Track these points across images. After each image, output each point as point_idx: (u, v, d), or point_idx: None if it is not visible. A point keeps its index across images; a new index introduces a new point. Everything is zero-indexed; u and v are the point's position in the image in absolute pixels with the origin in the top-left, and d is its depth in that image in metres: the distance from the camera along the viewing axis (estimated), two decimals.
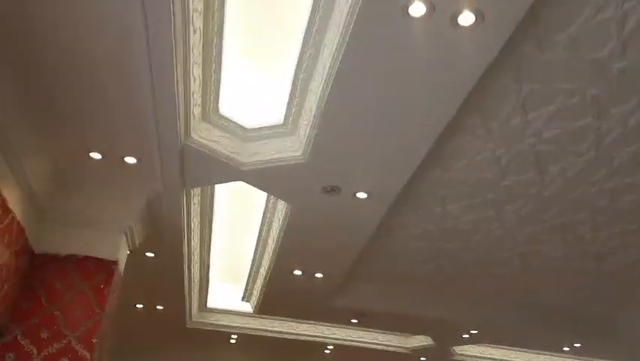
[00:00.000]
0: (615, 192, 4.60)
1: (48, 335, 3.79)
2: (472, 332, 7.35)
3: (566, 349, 7.80)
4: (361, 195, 4.39)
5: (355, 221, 4.85)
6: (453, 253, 5.88)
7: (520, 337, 7.62)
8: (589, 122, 3.85)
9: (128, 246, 4.67)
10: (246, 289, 7.38)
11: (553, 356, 8.64)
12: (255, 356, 8.97)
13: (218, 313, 8.20)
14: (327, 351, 8.73)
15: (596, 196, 4.67)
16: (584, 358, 8.48)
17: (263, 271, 6.40)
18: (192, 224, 5.25)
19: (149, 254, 5.67)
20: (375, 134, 3.71)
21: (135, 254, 5.55)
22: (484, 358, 8.55)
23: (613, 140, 4.00)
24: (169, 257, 5.70)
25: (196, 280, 6.89)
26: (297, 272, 6.00)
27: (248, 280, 7.06)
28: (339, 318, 7.41)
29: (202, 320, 8.17)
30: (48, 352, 3.75)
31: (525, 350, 8.51)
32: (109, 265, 4.19)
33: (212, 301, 8.10)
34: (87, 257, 4.17)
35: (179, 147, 3.77)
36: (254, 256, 6.35)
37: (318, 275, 6.03)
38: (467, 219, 5.16)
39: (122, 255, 4.49)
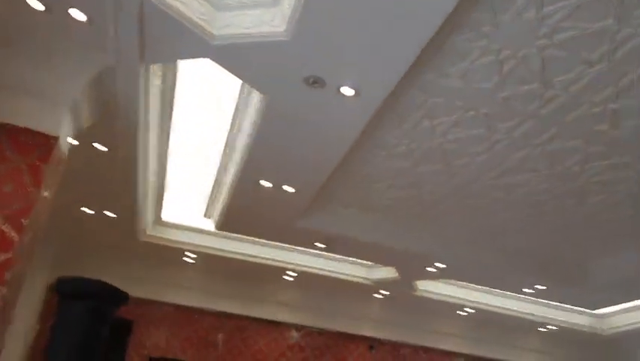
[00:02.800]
0: (617, 116, 4.24)
1: None
2: (437, 265, 7.11)
3: (528, 290, 7.68)
4: (347, 91, 3.89)
5: (338, 124, 4.36)
6: (432, 179, 5.49)
7: (486, 275, 7.44)
8: (608, 24, 3.43)
9: (74, 127, 4.09)
10: (208, 204, 6.91)
11: (513, 298, 8.57)
12: (213, 278, 8.60)
13: (175, 228, 7.74)
14: (288, 278, 8.43)
15: (596, 120, 4.30)
16: (544, 301, 8.43)
17: (228, 181, 5.92)
18: (150, 113, 4.68)
19: (99, 147, 5.10)
20: (368, 17, 3.21)
21: (83, 145, 5.00)
22: (444, 295, 8.41)
23: (629, 50, 3.60)
24: (122, 152, 5.14)
25: (152, 186, 6.37)
26: (266, 183, 5.54)
27: (211, 192, 6.59)
28: (306, 241, 7.05)
29: (157, 235, 7.68)
30: None
31: (487, 289, 8.40)
32: (48, 141, 3.63)
33: (170, 216, 7.62)
34: (23, 129, 3.58)
35: (138, 3, 3.17)
36: (220, 162, 5.85)
37: (289, 189, 5.59)
38: (455, 137, 4.73)
39: (65, 133, 3.92)
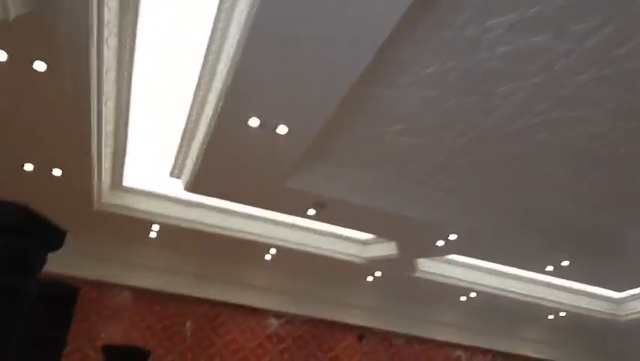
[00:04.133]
0: None
1: None
2: (450, 237, 6.07)
3: (550, 268, 6.71)
4: None
5: (366, 14, 3.21)
6: (462, 117, 4.44)
7: (506, 249, 6.43)
8: None
9: None
10: (177, 159, 5.67)
11: (523, 280, 7.62)
12: (180, 256, 7.33)
13: (137, 194, 6.46)
14: (268, 257, 7.25)
15: None
16: (557, 283, 7.51)
17: (205, 122, 4.72)
18: (106, 15, 3.47)
19: (39, 66, 3.84)
20: None
21: (17, 61, 3.76)
22: (447, 277, 7.38)
23: None
24: (69, 74, 3.90)
25: (109, 131, 5.11)
26: (254, 122, 4.37)
27: (181, 142, 5.36)
28: (295, 207, 5.87)
29: (115, 202, 6.40)
30: None
31: (495, 270, 7.42)
32: None
33: (131, 179, 6.35)
34: None
35: None
36: (194, 98, 4.65)
37: (282, 130, 4.43)
38: (505, 50, 3.68)
39: None
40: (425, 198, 5.67)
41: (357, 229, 6.52)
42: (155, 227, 6.79)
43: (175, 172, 5.87)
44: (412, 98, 4.26)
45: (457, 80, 3.98)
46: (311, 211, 5.88)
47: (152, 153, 5.97)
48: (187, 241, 7.06)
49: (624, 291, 7.66)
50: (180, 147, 5.43)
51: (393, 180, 5.49)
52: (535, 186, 5.33)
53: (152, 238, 7.06)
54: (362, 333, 8.03)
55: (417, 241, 6.36)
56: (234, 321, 7.57)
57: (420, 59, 3.83)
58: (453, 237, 6.07)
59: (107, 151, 5.37)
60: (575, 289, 7.82)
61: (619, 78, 3.77)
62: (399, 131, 4.73)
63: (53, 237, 2.38)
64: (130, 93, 4.78)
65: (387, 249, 6.81)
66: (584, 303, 7.92)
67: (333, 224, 6.42)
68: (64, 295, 3.47)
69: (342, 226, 6.43)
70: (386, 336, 8.22)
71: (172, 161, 5.78)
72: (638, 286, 7.37)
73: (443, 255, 6.86)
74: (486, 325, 8.50)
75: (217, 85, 4.32)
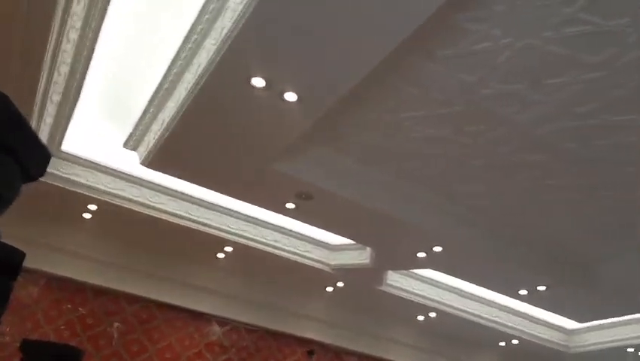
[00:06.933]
0: None
1: None
2: (434, 249, 5.53)
3: (523, 292, 6.35)
4: None
5: None
6: (491, 108, 3.91)
7: (482, 268, 5.99)
8: None
9: None
10: (138, 126, 4.71)
11: (483, 302, 7.26)
12: (112, 244, 6.23)
13: (77, 163, 5.39)
14: (220, 255, 6.36)
15: None
16: (526, 306, 7.16)
17: (189, 79, 3.86)
18: None
19: None
20: None
21: None
22: (412, 293, 6.84)
23: None
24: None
25: (62, 76, 4.11)
26: (258, 82, 3.59)
27: (149, 104, 4.43)
28: (274, 198, 5.05)
29: (49, 170, 5.27)
30: None
31: (462, 286, 6.98)
32: None
33: (72, 145, 5.28)
34: None
35: None
36: (182, 45, 3.78)
37: (290, 97, 3.68)
38: (575, 31, 3.18)
39: None
40: (419, 202, 5.11)
41: (335, 231, 5.79)
42: (92, 207, 5.71)
43: (131, 142, 4.90)
44: (448, 79, 3.68)
45: (506, 61, 3.45)
46: (290, 205, 5.13)
47: (103, 119, 4.96)
48: (125, 227, 6.02)
49: (586, 322, 7.50)
50: (147, 108, 4.50)
51: (391, 178, 4.88)
52: (536, 204, 4.94)
53: (86, 220, 5.96)
54: (312, 348, 7.28)
55: (397, 250, 5.78)
56: (171, 325, 6.56)
57: (474, 29, 3.26)
58: (437, 249, 5.54)
59: (53, 99, 4.33)
60: (534, 317, 7.60)
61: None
62: (419, 119, 4.12)
63: (39, 158, 1.47)
64: (98, 38, 3.83)
65: (358, 257, 6.17)
66: (539, 331, 7.71)
67: (309, 223, 5.67)
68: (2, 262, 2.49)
69: (318, 227, 5.71)
70: (337, 353, 7.53)
71: (128, 130, 4.84)
72: (601, 318, 7.23)
73: (420, 268, 6.31)
74: (439, 347, 8.07)
75: (216, 31, 3.52)
